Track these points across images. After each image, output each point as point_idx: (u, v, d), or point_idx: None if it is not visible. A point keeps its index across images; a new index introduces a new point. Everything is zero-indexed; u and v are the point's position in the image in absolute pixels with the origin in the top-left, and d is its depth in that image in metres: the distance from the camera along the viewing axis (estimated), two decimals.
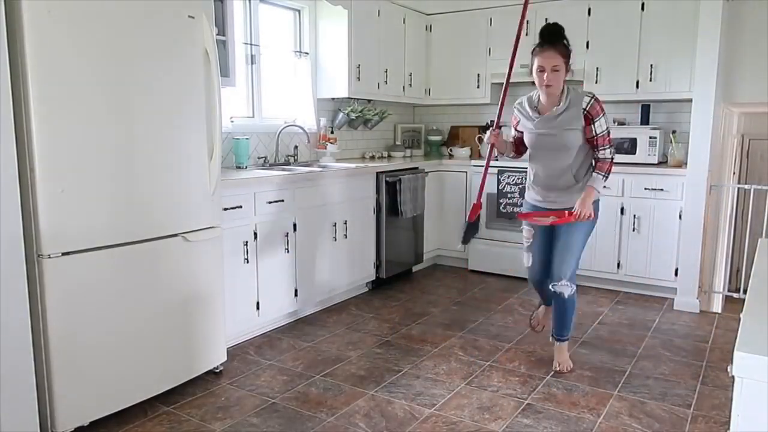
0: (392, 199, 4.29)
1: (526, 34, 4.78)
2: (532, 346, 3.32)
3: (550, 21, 4.59)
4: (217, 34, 3.14)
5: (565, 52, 2.71)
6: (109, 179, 2.31)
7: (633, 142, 4.32)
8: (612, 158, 2.80)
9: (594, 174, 2.81)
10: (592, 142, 2.80)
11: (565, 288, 2.87)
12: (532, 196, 3.01)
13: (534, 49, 2.77)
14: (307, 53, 4.45)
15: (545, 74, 2.70)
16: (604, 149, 2.79)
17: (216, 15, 2.90)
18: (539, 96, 2.86)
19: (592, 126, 2.75)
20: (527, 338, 3.44)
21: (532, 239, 3.00)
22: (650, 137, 4.27)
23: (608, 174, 2.81)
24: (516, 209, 4.57)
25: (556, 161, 2.84)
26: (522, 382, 2.85)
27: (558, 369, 2.97)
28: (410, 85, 5.11)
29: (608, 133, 2.79)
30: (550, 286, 2.92)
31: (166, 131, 2.52)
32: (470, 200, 4.88)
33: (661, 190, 4.10)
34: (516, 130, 3.03)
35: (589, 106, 2.73)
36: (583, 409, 2.59)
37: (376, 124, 5.06)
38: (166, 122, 2.51)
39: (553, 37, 2.72)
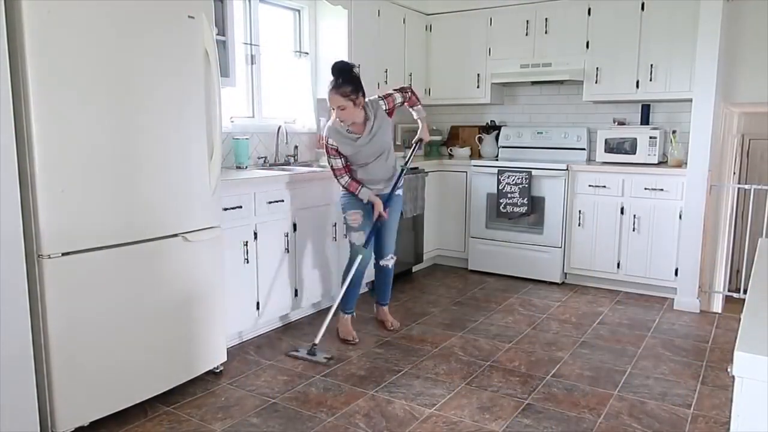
0: None
1: (526, 35, 4.79)
2: (532, 346, 3.32)
3: (550, 21, 4.63)
4: (217, 34, 3.14)
5: (347, 92, 3.08)
6: (109, 179, 2.31)
7: (633, 142, 4.33)
8: (411, 91, 3.45)
9: (414, 108, 3.50)
10: (402, 104, 3.40)
11: (391, 261, 3.53)
12: (371, 189, 3.38)
13: (328, 86, 3.14)
14: (307, 53, 4.45)
15: (335, 112, 3.15)
16: (407, 96, 3.40)
17: (216, 15, 2.91)
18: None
19: (396, 103, 3.34)
20: (527, 338, 3.44)
21: (362, 219, 3.36)
22: (650, 137, 4.27)
23: (420, 100, 3.50)
24: (515, 209, 4.57)
25: (378, 161, 3.34)
26: (522, 382, 2.86)
27: (392, 327, 3.56)
28: (410, 85, 5.10)
29: (402, 90, 3.41)
30: (380, 262, 3.53)
31: (166, 131, 2.52)
32: (470, 200, 4.88)
33: (661, 190, 4.10)
34: (341, 157, 3.30)
35: (386, 105, 3.29)
36: (583, 409, 2.59)
37: None
38: (166, 122, 2.51)
39: (336, 80, 3.09)
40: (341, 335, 3.41)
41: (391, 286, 3.66)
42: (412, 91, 3.45)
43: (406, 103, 3.42)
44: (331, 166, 3.31)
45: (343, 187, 3.35)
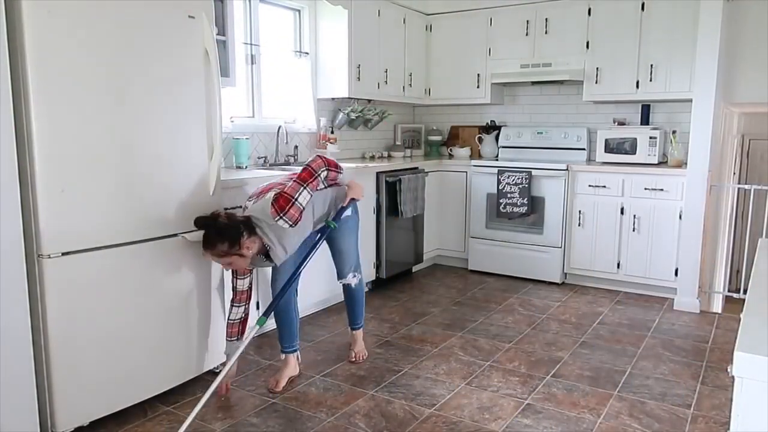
0: (392, 199, 4.29)
1: (526, 34, 4.79)
2: (532, 346, 3.32)
3: (550, 21, 4.63)
4: (217, 34, 3.14)
5: (225, 250, 2.42)
6: (109, 179, 2.31)
7: (633, 142, 4.33)
8: (314, 167, 2.63)
9: (335, 185, 2.81)
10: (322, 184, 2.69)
11: (353, 279, 3.07)
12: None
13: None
14: (307, 53, 4.46)
15: (222, 266, 2.62)
16: (318, 173, 2.63)
17: (216, 15, 2.91)
18: None
19: (303, 209, 2.56)
20: (527, 338, 3.44)
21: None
22: (650, 137, 4.27)
23: (336, 172, 2.72)
24: (515, 209, 4.57)
25: (317, 220, 2.79)
26: (522, 382, 2.86)
27: (354, 359, 3.10)
28: (410, 85, 5.11)
29: (306, 172, 2.62)
30: (340, 282, 3.10)
31: (166, 131, 2.52)
32: (470, 200, 4.88)
33: (661, 190, 4.10)
34: (243, 278, 2.70)
35: (289, 219, 2.51)
36: (583, 409, 2.59)
37: (376, 124, 5.06)
38: (166, 122, 2.51)
39: (205, 238, 2.45)
40: (268, 381, 2.82)
41: (363, 308, 3.17)
42: (328, 167, 2.67)
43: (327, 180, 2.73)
44: (232, 286, 2.69)
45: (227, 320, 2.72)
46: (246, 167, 3.74)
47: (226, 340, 2.74)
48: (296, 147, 4.31)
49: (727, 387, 2.80)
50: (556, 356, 3.17)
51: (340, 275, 3.08)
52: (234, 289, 2.69)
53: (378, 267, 4.33)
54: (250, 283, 2.72)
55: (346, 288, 3.12)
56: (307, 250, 2.79)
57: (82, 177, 2.22)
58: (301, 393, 2.74)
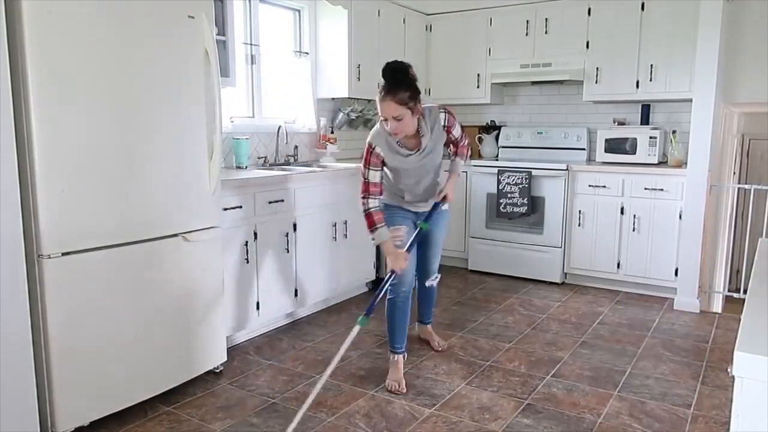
0: None
1: (526, 35, 4.79)
2: (532, 346, 3.32)
3: (550, 21, 4.63)
4: (217, 34, 3.14)
5: (404, 99, 2.52)
6: (109, 179, 2.31)
7: (633, 142, 4.33)
8: (468, 143, 3.02)
9: (456, 159, 2.97)
10: (452, 140, 2.91)
11: (435, 281, 3.24)
12: (408, 209, 2.93)
13: (379, 92, 2.57)
14: (307, 53, 4.45)
15: (389, 123, 2.58)
16: (463, 141, 2.95)
17: (216, 15, 2.91)
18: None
19: (452, 134, 2.85)
20: (527, 338, 3.44)
21: (405, 237, 2.85)
22: (650, 137, 4.27)
23: (467, 157, 3.02)
24: (515, 209, 4.57)
25: (427, 179, 2.85)
26: (522, 382, 2.85)
27: (439, 347, 3.27)
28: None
29: (462, 129, 2.94)
30: (426, 283, 3.20)
31: (166, 131, 2.52)
32: (470, 200, 4.88)
33: (661, 190, 4.10)
34: (381, 168, 2.75)
35: (446, 121, 2.78)
36: (583, 409, 2.59)
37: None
38: (166, 122, 2.51)
39: (391, 84, 2.54)
40: (388, 382, 2.81)
41: (434, 304, 3.39)
42: (468, 145, 3.02)
43: (452, 145, 2.92)
44: (365, 179, 2.69)
45: (363, 212, 2.69)
46: (246, 167, 3.74)
47: (372, 232, 2.68)
48: (296, 147, 4.31)
49: (727, 387, 2.80)
50: (556, 356, 3.17)
51: (427, 275, 3.16)
52: (366, 181, 2.69)
53: (378, 267, 4.32)
54: (381, 178, 2.74)
55: (428, 290, 3.26)
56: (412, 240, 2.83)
57: (82, 177, 2.22)
58: (301, 393, 2.74)
